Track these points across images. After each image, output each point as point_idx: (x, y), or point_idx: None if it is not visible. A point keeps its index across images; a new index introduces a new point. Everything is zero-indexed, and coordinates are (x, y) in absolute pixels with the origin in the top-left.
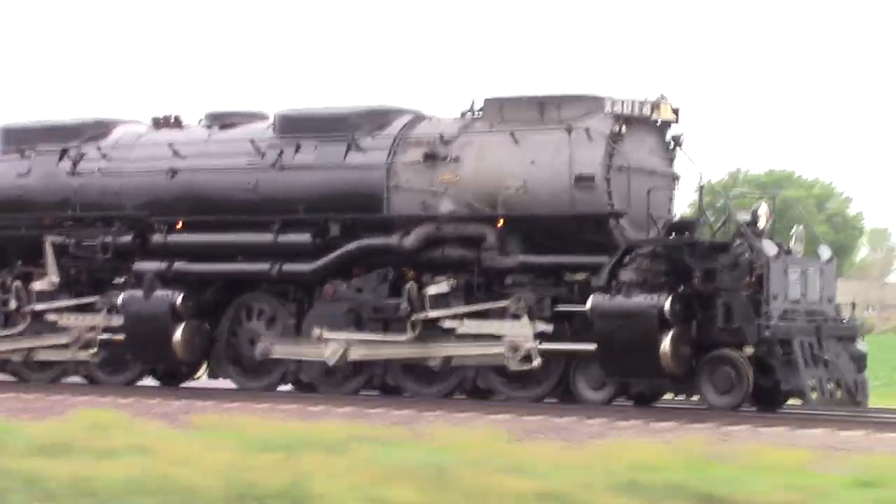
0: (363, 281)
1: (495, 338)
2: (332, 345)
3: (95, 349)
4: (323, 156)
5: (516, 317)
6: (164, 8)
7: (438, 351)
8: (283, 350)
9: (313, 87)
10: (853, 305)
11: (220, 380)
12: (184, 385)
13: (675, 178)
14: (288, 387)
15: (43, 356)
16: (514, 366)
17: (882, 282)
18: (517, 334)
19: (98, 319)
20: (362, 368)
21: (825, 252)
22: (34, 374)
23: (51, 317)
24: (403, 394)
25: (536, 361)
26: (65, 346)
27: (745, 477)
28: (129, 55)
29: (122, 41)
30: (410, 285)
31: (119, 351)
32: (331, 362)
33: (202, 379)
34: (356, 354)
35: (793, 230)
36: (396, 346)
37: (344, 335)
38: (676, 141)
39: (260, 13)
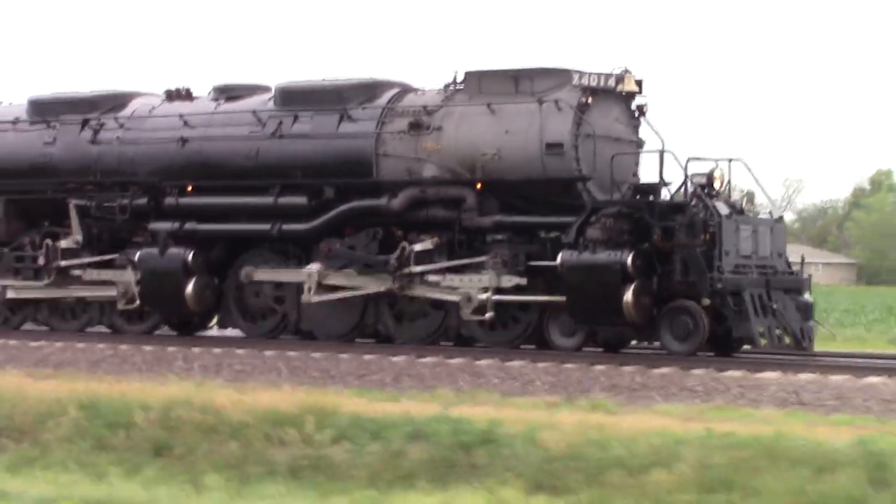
0: (355, 239)
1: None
2: (310, 267)
3: (138, 302)
4: (318, 125)
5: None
6: None
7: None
8: (263, 275)
9: (313, 60)
10: (802, 260)
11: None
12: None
13: (639, 144)
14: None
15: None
16: (466, 316)
17: None
18: (471, 286)
19: (131, 275)
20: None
21: (776, 212)
22: (62, 323)
23: (75, 272)
24: (395, 341)
25: (489, 314)
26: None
27: None
28: (146, 31)
29: (141, 18)
30: (404, 244)
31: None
32: (309, 282)
33: (214, 328)
34: (332, 280)
35: (744, 192)
36: (378, 283)
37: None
38: (640, 110)
39: None
